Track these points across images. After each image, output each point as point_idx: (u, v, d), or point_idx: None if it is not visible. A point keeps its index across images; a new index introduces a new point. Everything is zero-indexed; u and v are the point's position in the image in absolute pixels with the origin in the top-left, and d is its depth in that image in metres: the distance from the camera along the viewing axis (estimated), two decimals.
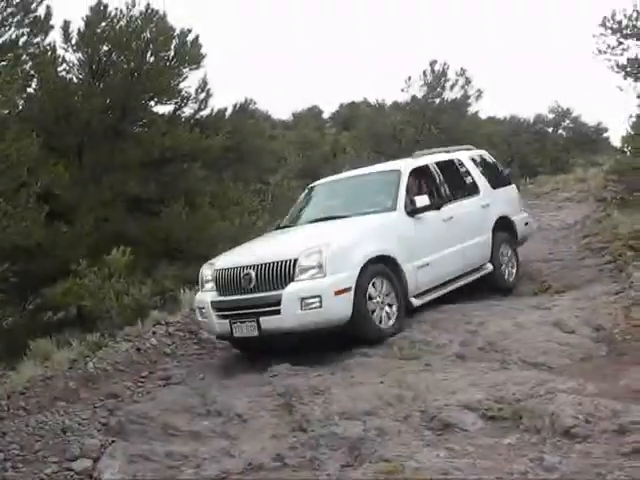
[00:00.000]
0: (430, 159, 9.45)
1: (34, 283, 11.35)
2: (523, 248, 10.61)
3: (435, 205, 8.61)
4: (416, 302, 7.93)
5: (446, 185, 9.21)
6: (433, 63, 18.63)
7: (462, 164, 9.83)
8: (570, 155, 29.95)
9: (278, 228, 9.32)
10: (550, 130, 32.36)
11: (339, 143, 27.56)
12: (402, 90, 18.88)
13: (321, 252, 7.04)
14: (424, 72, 18.62)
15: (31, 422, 6.22)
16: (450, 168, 9.59)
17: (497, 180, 10.27)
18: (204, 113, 12.88)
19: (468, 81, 18.65)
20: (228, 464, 5.26)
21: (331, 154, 26.28)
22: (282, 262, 7.14)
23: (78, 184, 10.99)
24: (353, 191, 9.15)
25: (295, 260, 7.08)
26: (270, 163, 16.67)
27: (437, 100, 18.78)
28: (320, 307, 6.91)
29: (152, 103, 12.45)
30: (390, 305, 7.54)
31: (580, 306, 7.70)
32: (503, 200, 10.05)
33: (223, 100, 19.59)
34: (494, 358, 6.38)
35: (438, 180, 9.17)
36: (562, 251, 11.89)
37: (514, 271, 9.88)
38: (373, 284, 7.40)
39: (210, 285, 7.75)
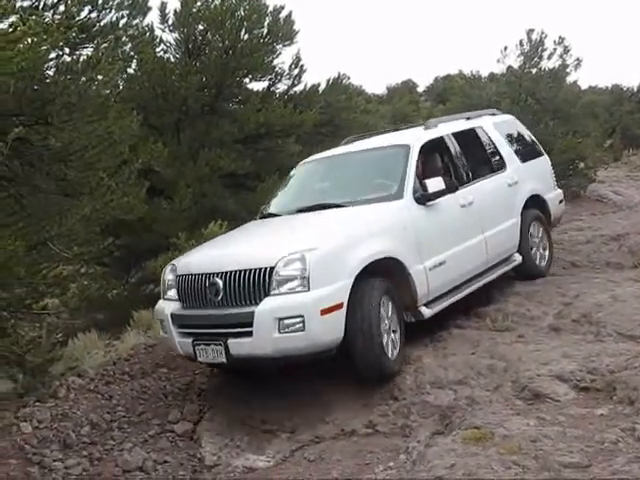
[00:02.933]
0: (446, 129, 7.83)
1: (136, 257, 11.80)
2: (620, 221, 10.25)
3: (452, 188, 7.05)
4: (427, 312, 6.42)
5: (465, 161, 7.68)
6: (530, 32, 18.06)
7: (485, 133, 8.28)
8: None
9: (262, 216, 7.62)
10: None
11: (433, 117, 27.23)
12: (498, 61, 18.41)
13: (304, 258, 5.54)
14: (520, 42, 18.05)
15: (135, 387, 6.53)
16: (471, 139, 8.03)
17: (527, 151, 8.78)
18: (298, 89, 12.93)
19: (567, 50, 17.99)
20: (321, 430, 5.44)
21: None
22: (255, 271, 5.64)
23: (176, 161, 11.30)
24: (350, 172, 7.56)
25: (271, 268, 5.59)
26: None
27: (534, 70, 18.26)
28: (302, 330, 5.41)
29: (246, 80, 12.61)
30: (394, 331, 6.06)
31: None
32: (534, 176, 8.54)
33: (316, 75, 19.67)
34: (589, 330, 6.27)
35: (456, 155, 7.63)
36: None
37: (547, 254, 8.48)
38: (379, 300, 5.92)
39: (173, 292, 6.30)
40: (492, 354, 5.96)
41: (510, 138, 8.58)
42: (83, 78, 6.20)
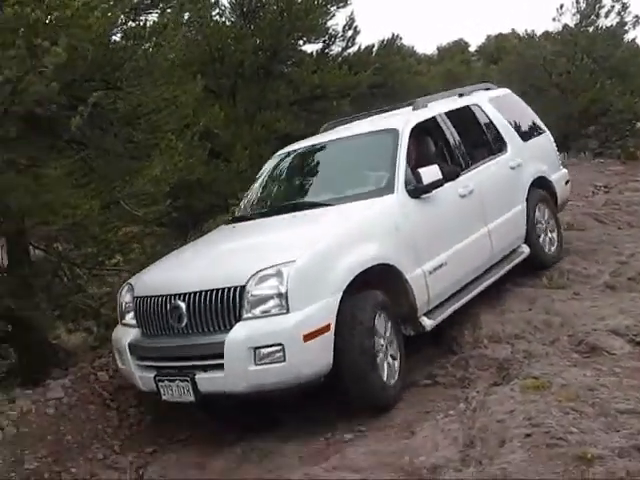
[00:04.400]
0: (438, 108, 6.85)
1: (194, 218, 12.11)
2: None
3: (449, 176, 6.08)
4: (429, 323, 5.55)
5: (462, 144, 6.72)
6: None
7: (481, 111, 7.31)
8: None
9: (233, 220, 6.68)
10: None
11: (486, 77, 26.91)
12: (553, 19, 18.15)
13: (280, 273, 4.68)
14: None
15: None
16: (466, 119, 7.08)
17: (527, 129, 7.84)
18: (351, 50, 13.03)
19: (625, 7, 17.64)
20: None
21: None
22: (223, 291, 4.77)
23: (232, 124, 11.52)
24: (333, 163, 6.63)
25: (242, 287, 4.71)
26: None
27: (590, 28, 17.96)
28: (282, 360, 4.56)
29: (301, 42, 12.72)
30: (393, 352, 5.19)
31: None
32: (538, 155, 7.62)
33: (370, 37, 19.65)
34: None
35: (451, 138, 6.67)
36: None
37: (556, 240, 7.52)
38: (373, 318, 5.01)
39: (130, 317, 5.43)
40: (548, 310, 6.10)
41: (509, 115, 7.56)
42: (149, 43, 6.45)
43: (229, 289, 4.76)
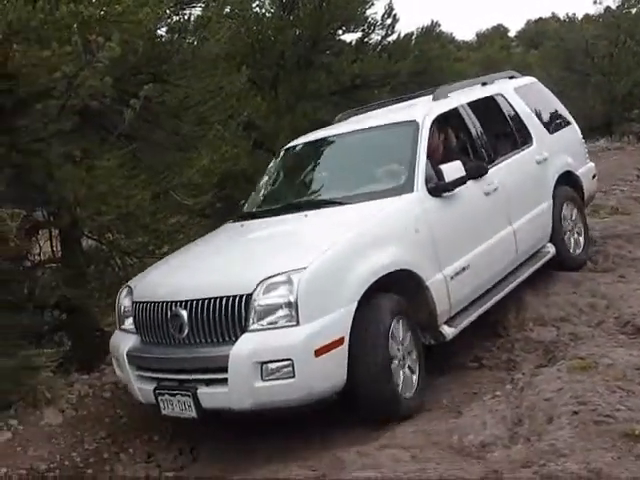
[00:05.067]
0: (460, 98, 6.42)
1: (236, 208, 12.30)
2: None
3: (474, 173, 5.67)
4: (450, 332, 5.18)
5: (486, 137, 6.29)
6: None
7: (506, 101, 6.87)
8: None
9: (239, 218, 6.18)
10: None
11: (527, 62, 26.68)
12: (594, 2, 17.97)
13: (290, 281, 4.31)
14: None
15: None
16: (490, 110, 6.67)
17: (554, 120, 7.41)
18: (391, 39, 13.05)
19: None
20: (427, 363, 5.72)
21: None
22: (228, 299, 4.42)
23: (274, 114, 11.65)
24: (347, 158, 6.18)
25: (248, 296, 4.36)
26: None
27: (633, 10, 17.71)
28: (292, 376, 4.23)
29: (340, 32, 12.79)
30: (411, 362, 4.83)
31: None
32: (564, 149, 7.17)
33: (409, 24, 19.57)
34: None
35: (474, 131, 6.22)
36: None
37: (582, 240, 7.08)
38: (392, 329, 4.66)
39: (129, 322, 5.10)
40: (593, 293, 6.12)
41: (534, 105, 7.12)
42: (194, 37, 6.60)
43: (234, 297, 4.40)
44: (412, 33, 13.38)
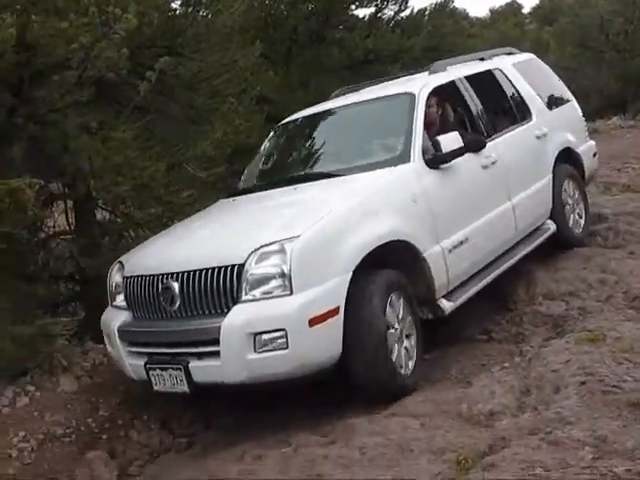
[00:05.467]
0: (457, 72, 6.39)
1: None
2: None
3: (471, 146, 5.61)
4: (448, 306, 5.11)
5: (484, 111, 6.27)
6: None
7: (504, 76, 6.83)
8: None
9: (233, 193, 6.12)
10: None
11: (541, 39, 26.49)
12: None
13: (283, 250, 4.23)
14: None
15: None
16: (488, 84, 6.60)
17: (553, 96, 7.37)
18: (404, 14, 12.99)
19: None
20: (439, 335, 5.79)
21: (532, 52, 25.37)
22: (219, 270, 4.34)
23: (287, 88, 11.66)
24: (343, 131, 6.12)
25: (240, 266, 4.27)
26: None
27: None
28: (285, 347, 4.14)
29: (353, 7, 12.75)
30: (408, 336, 4.76)
31: None
32: (564, 125, 7.16)
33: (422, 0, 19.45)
34: None
35: (472, 105, 6.20)
36: None
37: (582, 219, 7.08)
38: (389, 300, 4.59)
39: (121, 298, 5.03)
40: (603, 269, 6.16)
41: (533, 81, 7.08)
42: (208, 10, 6.63)
43: (226, 268, 4.31)
44: (425, 9, 13.28)
